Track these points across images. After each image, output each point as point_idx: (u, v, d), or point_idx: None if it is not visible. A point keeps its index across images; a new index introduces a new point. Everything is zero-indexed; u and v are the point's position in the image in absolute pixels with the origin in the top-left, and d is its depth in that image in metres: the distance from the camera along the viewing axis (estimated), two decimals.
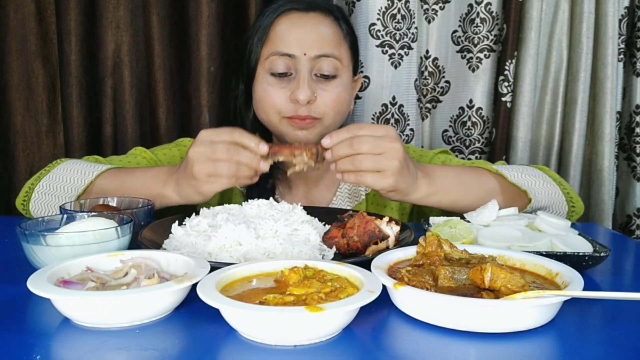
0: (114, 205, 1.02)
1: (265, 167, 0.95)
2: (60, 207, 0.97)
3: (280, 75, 1.15)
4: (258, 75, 1.18)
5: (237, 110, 1.29)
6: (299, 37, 1.15)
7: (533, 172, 1.15)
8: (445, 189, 1.05)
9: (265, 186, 1.25)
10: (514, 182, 1.09)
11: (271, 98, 1.16)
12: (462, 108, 1.66)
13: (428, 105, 1.71)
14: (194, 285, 0.61)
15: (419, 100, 1.67)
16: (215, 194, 0.97)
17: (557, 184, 1.15)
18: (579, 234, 0.88)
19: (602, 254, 0.79)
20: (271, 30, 1.17)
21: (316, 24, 1.17)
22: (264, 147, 0.94)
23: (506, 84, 1.60)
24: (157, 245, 0.84)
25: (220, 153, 0.92)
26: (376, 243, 0.82)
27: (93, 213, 0.88)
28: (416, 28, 1.60)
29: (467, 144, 1.66)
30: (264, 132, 1.26)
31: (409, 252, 0.75)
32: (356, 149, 0.91)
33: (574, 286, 0.61)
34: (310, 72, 1.14)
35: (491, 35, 1.60)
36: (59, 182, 1.10)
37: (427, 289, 0.63)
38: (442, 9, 1.65)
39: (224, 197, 1.30)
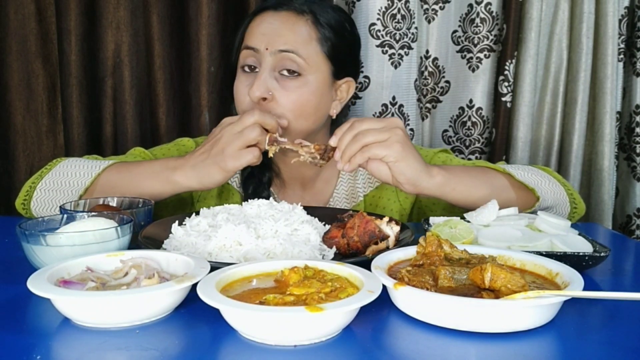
0: (114, 205, 1.02)
1: (270, 151, 1.04)
2: (60, 207, 0.97)
3: (250, 69, 1.15)
4: (236, 74, 1.20)
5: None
6: (263, 32, 1.14)
7: (538, 172, 1.15)
8: (458, 178, 1.04)
9: (262, 179, 1.25)
10: (522, 180, 1.09)
11: (238, 93, 1.16)
12: (462, 108, 1.66)
13: (428, 105, 1.71)
14: (194, 285, 0.61)
15: (419, 100, 1.67)
16: (237, 170, 1.05)
17: (562, 184, 1.16)
18: (579, 234, 0.88)
19: (602, 254, 0.79)
20: (246, 30, 1.18)
21: (284, 21, 1.15)
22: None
23: (506, 84, 1.60)
24: (157, 245, 0.84)
25: (247, 120, 1.02)
26: (376, 243, 0.82)
27: (93, 213, 0.88)
28: (416, 28, 1.60)
29: (467, 144, 1.66)
30: None
31: (409, 252, 0.75)
32: (362, 142, 0.95)
33: (574, 286, 0.61)
34: (271, 69, 1.12)
35: (491, 35, 1.60)
36: (63, 178, 1.10)
37: (427, 289, 0.63)
38: (442, 9, 1.65)
39: (222, 197, 1.30)
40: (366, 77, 1.59)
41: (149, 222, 0.96)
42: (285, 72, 1.12)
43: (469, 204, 1.05)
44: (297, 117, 1.13)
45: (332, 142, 0.99)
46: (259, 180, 1.25)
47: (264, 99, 1.10)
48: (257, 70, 1.14)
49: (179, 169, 1.06)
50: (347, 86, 1.24)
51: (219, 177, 1.04)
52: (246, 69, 1.16)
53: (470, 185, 1.05)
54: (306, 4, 1.18)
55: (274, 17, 1.16)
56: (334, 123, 1.26)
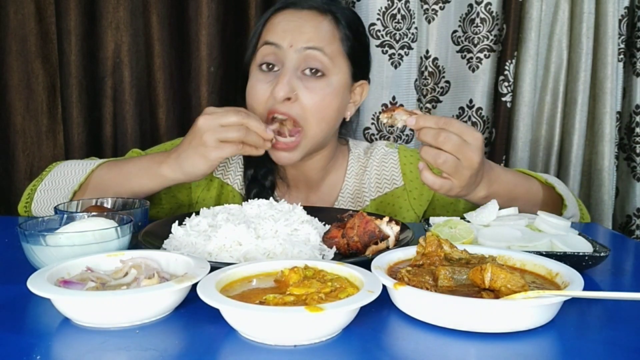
0: (108, 206, 1.01)
1: (270, 134, 1.02)
2: (54, 207, 0.97)
3: (268, 68, 1.12)
4: (251, 72, 1.17)
5: None
6: (287, 29, 1.12)
7: (561, 183, 1.18)
8: (498, 196, 1.01)
9: (264, 184, 1.24)
10: (561, 194, 1.11)
11: (257, 93, 1.12)
12: (462, 108, 1.66)
13: (428, 105, 1.71)
14: (194, 285, 0.61)
15: (419, 100, 1.67)
16: (221, 160, 1.02)
17: (573, 195, 1.19)
18: (579, 234, 0.88)
19: (602, 254, 0.79)
20: (264, 26, 1.16)
21: (308, 19, 1.14)
22: (269, 134, 1.03)
23: (506, 84, 1.60)
24: (157, 245, 0.84)
25: (231, 117, 0.99)
26: (376, 243, 0.82)
27: (93, 213, 0.88)
28: (416, 28, 1.60)
29: None
30: None
31: (409, 252, 0.75)
32: (439, 142, 0.90)
33: (574, 286, 0.61)
34: (295, 68, 1.10)
35: (491, 35, 1.60)
36: (61, 177, 1.11)
37: (427, 289, 0.63)
38: (442, 9, 1.65)
39: (222, 198, 1.29)
40: None
41: (145, 223, 0.96)
42: (308, 72, 1.10)
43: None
44: (319, 121, 1.11)
45: (409, 123, 0.93)
46: (261, 186, 1.24)
47: (288, 99, 1.08)
48: (276, 69, 1.12)
49: (165, 163, 1.04)
50: (361, 89, 1.23)
51: (204, 167, 1.02)
52: (264, 67, 1.13)
53: (503, 200, 1.00)
54: (326, 3, 1.17)
55: (296, 14, 1.15)
56: (342, 125, 1.26)
